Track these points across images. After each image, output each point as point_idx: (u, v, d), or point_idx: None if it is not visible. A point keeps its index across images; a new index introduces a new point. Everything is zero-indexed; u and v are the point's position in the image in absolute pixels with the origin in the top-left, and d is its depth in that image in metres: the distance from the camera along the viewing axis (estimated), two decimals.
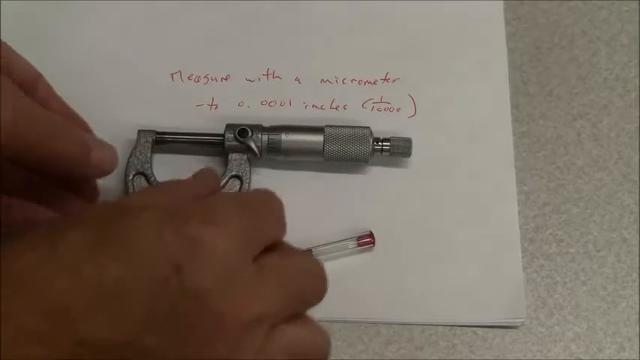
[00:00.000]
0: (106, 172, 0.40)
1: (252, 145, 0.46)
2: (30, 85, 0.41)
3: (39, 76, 0.42)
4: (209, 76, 0.51)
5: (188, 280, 0.28)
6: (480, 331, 0.46)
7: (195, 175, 0.37)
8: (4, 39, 0.50)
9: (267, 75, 0.51)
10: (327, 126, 0.47)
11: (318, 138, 0.47)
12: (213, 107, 0.50)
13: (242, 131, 0.46)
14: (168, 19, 0.53)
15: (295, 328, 0.32)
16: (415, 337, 0.46)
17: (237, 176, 0.47)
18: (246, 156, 0.47)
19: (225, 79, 0.51)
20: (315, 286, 0.33)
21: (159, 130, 0.47)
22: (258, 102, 0.50)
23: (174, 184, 0.35)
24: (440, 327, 0.46)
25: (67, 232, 0.29)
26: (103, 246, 0.28)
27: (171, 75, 0.51)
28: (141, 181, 0.46)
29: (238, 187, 0.46)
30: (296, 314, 0.32)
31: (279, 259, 0.32)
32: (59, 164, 0.37)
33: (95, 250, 0.28)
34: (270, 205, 0.33)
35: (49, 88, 0.43)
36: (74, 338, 0.27)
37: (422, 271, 0.47)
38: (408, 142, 0.48)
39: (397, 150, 0.48)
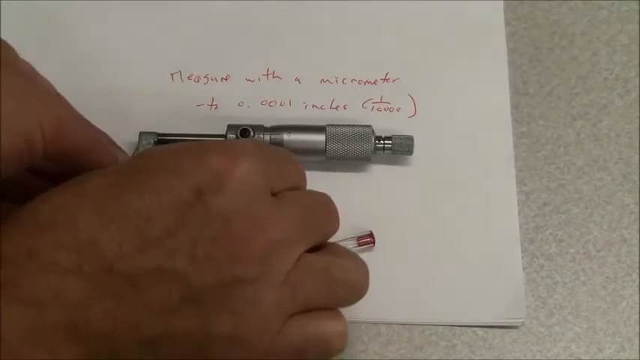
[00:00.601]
0: None
1: None
2: None
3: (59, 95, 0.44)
4: (209, 76, 0.51)
5: (210, 203, 0.29)
6: (479, 331, 0.46)
7: None
8: (4, 39, 0.50)
9: (267, 75, 0.51)
10: (328, 125, 0.47)
11: (320, 137, 0.47)
12: (214, 107, 0.50)
13: (244, 131, 0.46)
14: (168, 19, 0.53)
15: (324, 255, 0.33)
16: (415, 337, 0.46)
17: None
18: None
19: (225, 79, 0.51)
20: (331, 215, 0.35)
21: (160, 131, 0.47)
22: (258, 102, 0.50)
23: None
24: (440, 327, 0.46)
25: (92, 177, 0.31)
26: (124, 182, 0.30)
27: (171, 75, 0.51)
28: None
29: None
30: (321, 245, 0.34)
31: (297, 194, 0.33)
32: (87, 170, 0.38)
33: (118, 186, 0.30)
34: (288, 156, 0.35)
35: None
36: (103, 266, 0.28)
37: (422, 271, 0.47)
38: (409, 139, 0.48)
39: (399, 148, 0.48)
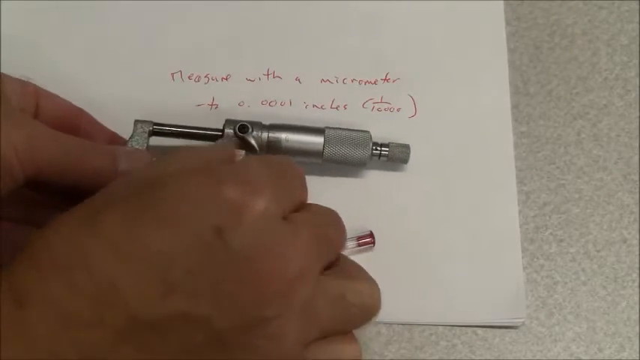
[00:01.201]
0: None
1: (252, 141, 0.46)
2: (73, 121, 0.43)
3: (81, 112, 0.44)
4: (209, 76, 0.51)
5: (230, 242, 0.28)
6: (480, 331, 0.46)
7: (212, 146, 0.38)
8: (4, 39, 0.50)
9: (268, 75, 0.51)
10: (327, 128, 0.47)
11: (319, 139, 0.47)
12: (214, 107, 0.50)
13: (242, 127, 0.46)
14: (169, 19, 0.53)
15: (339, 278, 0.32)
16: (415, 337, 0.46)
17: None
18: (243, 152, 0.46)
19: (226, 79, 0.51)
20: (341, 232, 0.34)
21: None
22: (259, 102, 0.50)
23: (199, 149, 0.34)
24: (440, 327, 0.46)
25: (103, 209, 0.29)
26: (141, 217, 0.28)
27: (172, 75, 0.51)
28: None
29: None
30: (331, 265, 0.33)
31: (307, 214, 0.33)
32: (86, 179, 0.38)
33: (134, 222, 0.28)
34: (292, 169, 0.34)
35: (91, 122, 0.45)
36: (126, 315, 0.27)
37: (422, 271, 0.47)
38: (406, 148, 0.48)
39: (395, 156, 0.47)
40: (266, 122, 0.47)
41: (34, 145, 0.35)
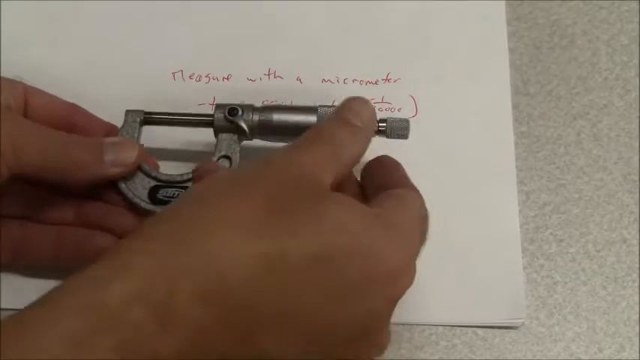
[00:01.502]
0: (126, 168, 0.42)
1: (243, 124, 0.44)
2: (66, 117, 0.43)
3: (74, 107, 0.44)
4: (210, 76, 0.51)
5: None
6: (480, 331, 0.46)
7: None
8: (4, 39, 0.50)
9: (269, 75, 0.51)
10: (320, 106, 0.45)
11: (311, 118, 0.45)
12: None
13: (232, 110, 0.44)
14: (170, 18, 0.53)
15: None
16: (415, 337, 0.46)
17: (226, 157, 0.45)
18: (236, 136, 0.45)
19: (227, 79, 0.51)
20: None
21: (147, 110, 0.46)
22: (260, 101, 0.50)
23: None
24: (440, 327, 0.46)
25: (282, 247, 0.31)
26: (306, 289, 0.31)
27: (173, 74, 0.51)
28: None
29: (227, 167, 0.45)
30: None
31: None
32: (72, 172, 0.38)
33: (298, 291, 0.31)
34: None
35: (86, 116, 0.45)
36: None
37: (422, 271, 0.46)
38: (405, 122, 0.45)
39: (393, 131, 0.45)
40: (258, 104, 0.46)
41: (16, 141, 0.36)
